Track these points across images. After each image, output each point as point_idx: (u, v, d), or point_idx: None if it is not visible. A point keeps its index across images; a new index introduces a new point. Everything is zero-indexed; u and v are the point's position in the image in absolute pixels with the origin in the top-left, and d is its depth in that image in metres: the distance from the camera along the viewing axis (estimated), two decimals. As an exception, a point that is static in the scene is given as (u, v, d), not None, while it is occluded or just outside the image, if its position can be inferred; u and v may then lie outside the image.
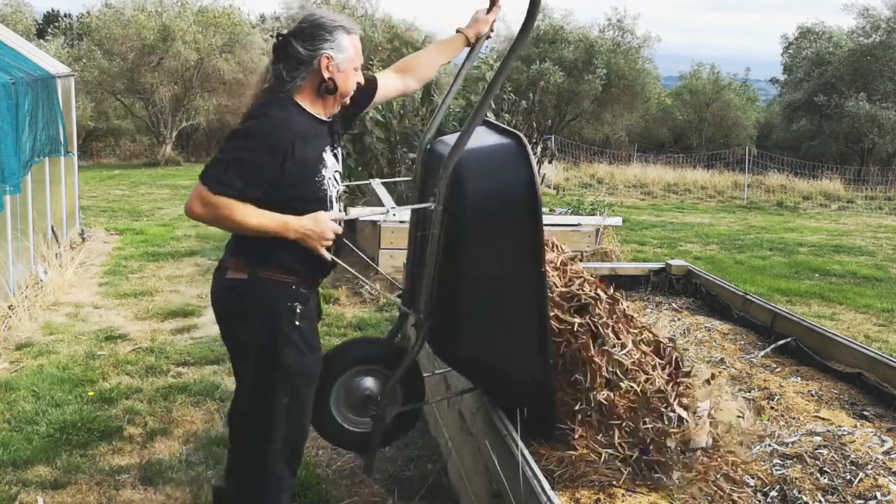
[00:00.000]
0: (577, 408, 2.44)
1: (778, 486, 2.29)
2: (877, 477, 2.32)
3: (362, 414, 2.50)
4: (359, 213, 2.42)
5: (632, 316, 2.76)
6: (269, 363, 2.24)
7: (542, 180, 7.36)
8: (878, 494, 2.24)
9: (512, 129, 2.45)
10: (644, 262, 6.60)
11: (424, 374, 2.67)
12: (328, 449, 3.36)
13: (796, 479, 2.32)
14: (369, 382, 2.50)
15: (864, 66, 22.27)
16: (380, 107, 7.40)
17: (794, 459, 2.43)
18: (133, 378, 4.24)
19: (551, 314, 2.52)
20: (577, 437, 2.40)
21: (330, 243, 2.22)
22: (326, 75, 2.23)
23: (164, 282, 6.42)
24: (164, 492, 3.06)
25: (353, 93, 2.33)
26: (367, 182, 4.76)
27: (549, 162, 11.71)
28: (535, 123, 8.69)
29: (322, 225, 2.18)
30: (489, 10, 2.58)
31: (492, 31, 2.59)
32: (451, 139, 2.50)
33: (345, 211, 2.39)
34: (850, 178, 19.16)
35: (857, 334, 5.53)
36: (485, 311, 2.36)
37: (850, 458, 2.43)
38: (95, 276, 6.60)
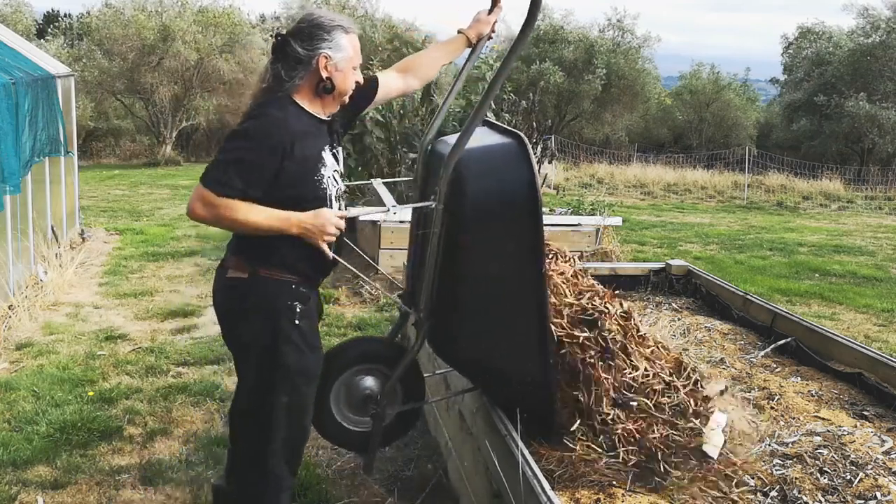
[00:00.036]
0: (575, 426, 2.41)
1: (778, 486, 2.29)
2: (877, 477, 2.32)
3: (362, 413, 2.50)
4: (360, 211, 2.42)
5: (644, 334, 2.71)
6: (269, 362, 2.24)
7: (543, 180, 7.37)
8: (878, 494, 2.24)
9: (513, 129, 2.45)
10: (644, 262, 6.60)
11: (424, 375, 2.67)
12: (328, 449, 3.36)
13: (796, 479, 2.32)
14: (369, 382, 2.50)
15: (864, 66, 22.27)
16: (380, 107, 7.39)
17: (794, 459, 2.43)
18: (133, 378, 4.24)
19: (560, 328, 2.49)
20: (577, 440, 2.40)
21: (332, 239, 2.21)
22: (325, 74, 2.23)
23: (164, 282, 6.42)
24: (164, 492, 3.06)
25: (351, 92, 2.33)
26: (369, 182, 4.76)
27: (549, 162, 11.71)
28: (535, 123, 8.69)
29: (323, 218, 2.18)
30: (490, 11, 2.58)
31: (493, 31, 2.60)
32: (452, 139, 2.50)
33: (345, 210, 2.39)
34: (850, 178, 19.17)
35: (857, 334, 5.53)
36: (485, 311, 2.36)
37: (850, 458, 2.43)
38: (95, 276, 6.60)
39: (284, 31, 2.28)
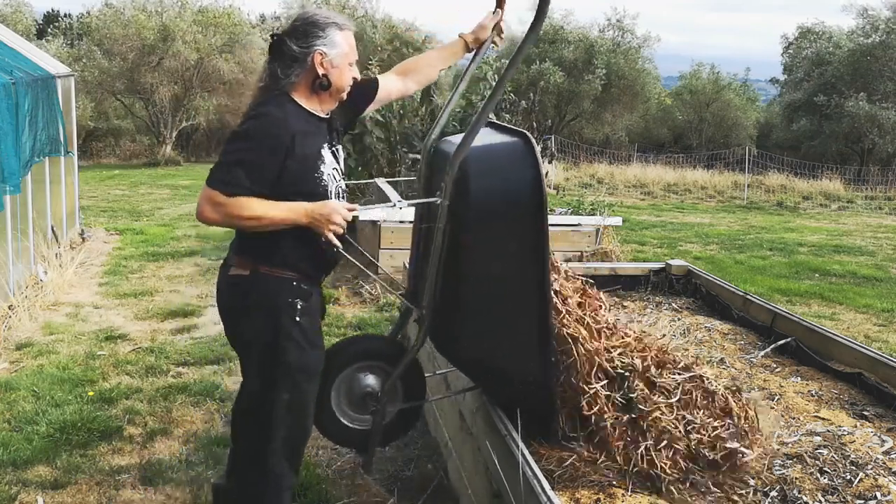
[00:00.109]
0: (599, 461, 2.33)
1: (778, 486, 2.29)
2: (877, 477, 2.32)
3: (363, 411, 2.50)
4: (366, 207, 2.39)
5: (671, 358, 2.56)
6: (270, 359, 2.25)
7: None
8: (878, 494, 2.24)
9: (519, 129, 2.45)
10: (644, 262, 6.60)
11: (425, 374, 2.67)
12: (328, 449, 3.36)
13: (796, 479, 2.32)
14: (370, 379, 2.50)
15: (864, 66, 22.28)
16: (380, 107, 7.40)
17: (794, 459, 2.43)
18: (133, 378, 4.24)
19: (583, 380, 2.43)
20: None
21: (339, 230, 2.21)
22: (321, 71, 2.24)
23: (164, 282, 6.42)
24: (164, 492, 3.06)
25: (349, 89, 2.34)
26: (372, 181, 4.79)
27: (549, 162, 11.72)
28: (535, 123, 8.69)
29: (330, 208, 2.18)
30: (494, 12, 2.58)
31: (501, 35, 2.59)
32: (456, 139, 2.50)
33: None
34: (850, 178, 19.16)
35: (857, 334, 5.53)
36: (487, 310, 2.35)
37: (850, 458, 2.43)
38: (95, 276, 6.60)
39: (280, 31, 2.29)
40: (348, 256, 2.34)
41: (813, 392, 3.01)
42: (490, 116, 2.44)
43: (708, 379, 2.53)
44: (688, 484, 2.27)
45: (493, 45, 2.60)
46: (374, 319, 5.43)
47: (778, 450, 2.49)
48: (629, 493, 2.21)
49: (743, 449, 2.35)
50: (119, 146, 21.23)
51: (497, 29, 2.57)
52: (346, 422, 2.51)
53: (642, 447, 2.28)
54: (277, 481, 2.32)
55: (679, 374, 2.50)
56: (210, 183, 2.12)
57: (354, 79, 2.34)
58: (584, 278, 2.89)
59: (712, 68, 27.64)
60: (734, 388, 2.63)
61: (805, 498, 2.23)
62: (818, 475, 2.35)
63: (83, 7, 43.77)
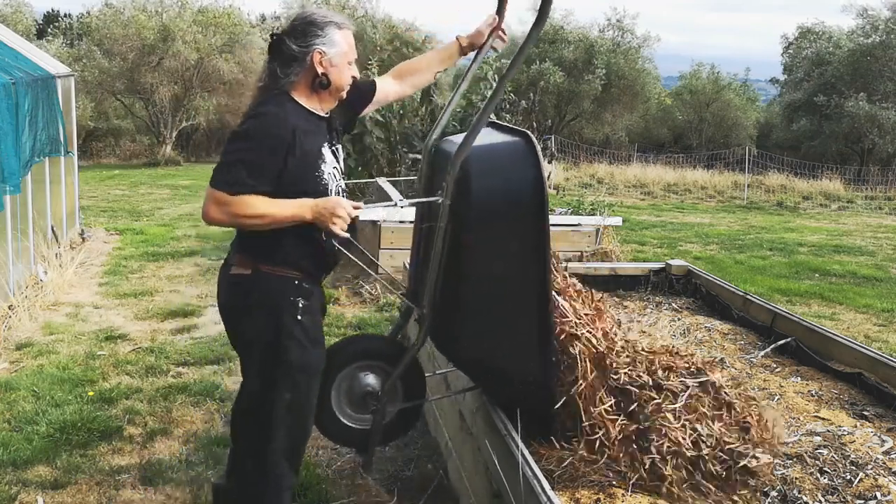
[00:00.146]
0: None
1: (778, 486, 2.29)
2: (877, 477, 2.32)
3: (363, 410, 2.50)
4: (367, 206, 2.38)
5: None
6: (272, 358, 2.25)
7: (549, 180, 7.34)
8: (878, 494, 2.24)
9: (521, 129, 2.45)
10: (644, 262, 6.60)
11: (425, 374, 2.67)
12: (328, 449, 3.36)
13: (796, 479, 2.32)
14: (370, 379, 2.50)
15: (863, 66, 22.28)
16: (380, 107, 7.41)
17: (794, 459, 2.43)
18: (133, 378, 4.24)
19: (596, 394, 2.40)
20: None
21: (343, 225, 2.20)
22: (320, 70, 2.25)
23: (164, 282, 6.42)
24: (164, 492, 3.06)
25: (349, 87, 2.34)
26: (373, 180, 4.81)
27: (549, 162, 11.72)
28: (535, 123, 8.70)
29: (334, 202, 2.18)
30: (492, 20, 2.58)
31: (503, 37, 2.59)
32: (458, 138, 2.50)
33: None
34: (850, 178, 19.16)
35: (857, 334, 5.53)
36: (487, 310, 2.35)
37: (850, 458, 2.43)
38: (95, 276, 6.60)
39: (279, 31, 2.29)
40: (351, 254, 2.34)
41: (813, 392, 3.01)
42: (490, 116, 2.44)
43: (722, 387, 2.48)
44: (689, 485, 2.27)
45: (492, 49, 2.61)
46: (374, 319, 5.43)
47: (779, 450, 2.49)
48: (629, 493, 2.21)
49: (755, 460, 2.31)
50: (119, 146, 21.24)
51: (497, 33, 2.57)
52: (346, 421, 2.51)
53: (648, 462, 2.26)
54: (277, 481, 2.32)
55: (690, 378, 2.47)
56: (213, 184, 2.13)
57: (354, 77, 2.35)
58: (592, 291, 2.87)
59: (712, 68, 27.66)
60: (750, 398, 2.57)
61: (805, 498, 2.23)
62: (818, 475, 2.35)
63: (83, 7, 43.83)
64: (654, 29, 48.99)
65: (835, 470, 2.37)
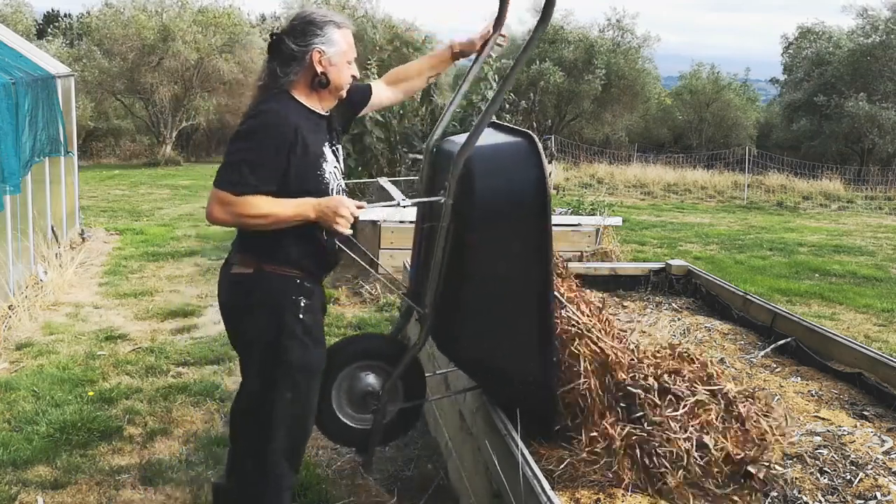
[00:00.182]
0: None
1: (778, 486, 2.29)
2: (877, 477, 2.32)
3: (363, 410, 2.50)
4: (375, 205, 2.37)
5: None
6: (272, 358, 2.25)
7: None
8: (878, 494, 2.24)
9: (523, 129, 2.45)
10: (644, 262, 6.60)
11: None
12: (328, 449, 3.36)
13: (796, 479, 2.32)
14: (371, 378, 2.50)
15: (863, 66, 22.27)
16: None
17: (794, 459, 2.43)
18: (133, 378, 4.24)
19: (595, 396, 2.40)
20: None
21: (346, 223, 2.20)
22: (319, 69, 2.25)
23: (164, 282, 6.42)
24: (164, 492, 3.06)
25: (348, 86, 2.35)
26: (373, 180, 4.81)
27: (549, 162, 11.72)
28: (535, 123, 8.71)
29: (337, 201, 2.18)
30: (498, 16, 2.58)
31: (504, 38, 2.59)
32: (459, 139, 2.51)
33: None
34: (850, 178, 19.16)
35: (857, 334, 5.53)
36: (488, 310, 2.35)
37: (850, 458, 2.43)
38: (95, 276, 6.60)
39: (279, 30, 2.29)
40: (351, 255, 2.35)
41: (813, 392, 3.01)
42: (492, 117, 2.44)
43: (736, 399, 2.44)
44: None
45: (490, 55, 2.61)
46: (374, 319, 5.43)
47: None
48: (629, 493, 2.21)
49: (760, 466, 2.29)
50: (119, 146, 21.25)
51: (490, 43, 2.57)
52: (346, 421, 2.51)
53: (649, 465, 2.25)
54: (277, 481, 2.32)
55: (701, 385, 2.44)
56: (217, 184, 2.13)
57: (353, 77, 2.35)
58: (600, 296, 2.85)
59: (712, 68, 27.65)
60: (763, 407, 2.54)
61: (805, 498, 2.23)
62: (818, 475, 2.35)
63: (83, 7, 43.86)
64: (654, 29, 49.10)
65: (835, 470, 2.37)
